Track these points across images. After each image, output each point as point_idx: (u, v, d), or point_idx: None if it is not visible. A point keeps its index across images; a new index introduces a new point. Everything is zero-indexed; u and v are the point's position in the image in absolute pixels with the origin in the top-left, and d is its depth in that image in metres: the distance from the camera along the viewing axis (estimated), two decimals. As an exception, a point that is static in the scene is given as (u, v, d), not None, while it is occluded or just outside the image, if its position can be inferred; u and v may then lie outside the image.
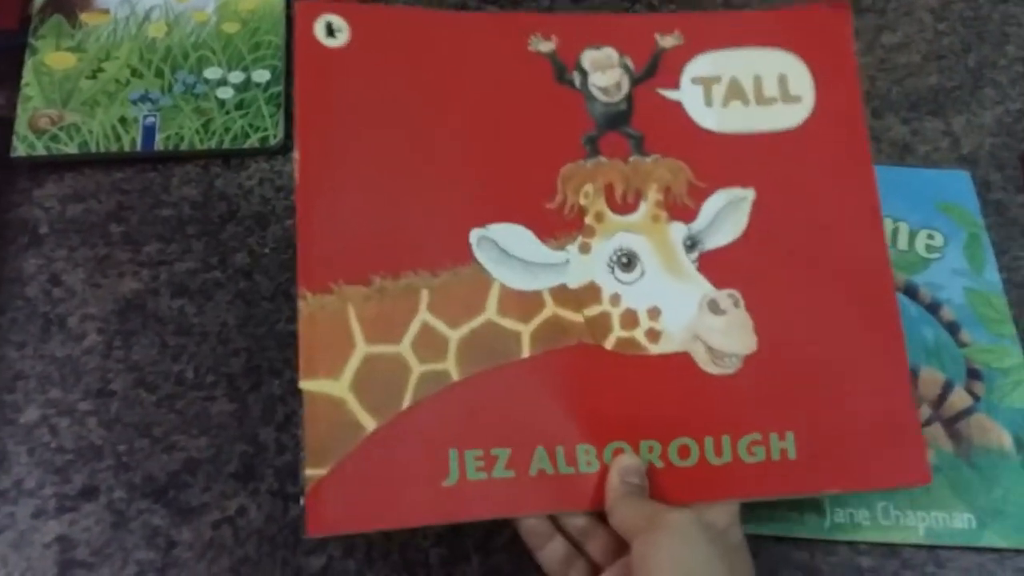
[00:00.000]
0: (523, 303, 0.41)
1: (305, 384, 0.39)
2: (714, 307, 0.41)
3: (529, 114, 0.43)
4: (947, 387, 0.50)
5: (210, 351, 0.50)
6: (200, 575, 0.45)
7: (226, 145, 0.56)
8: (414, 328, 0.40)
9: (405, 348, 0.40)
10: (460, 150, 0.42)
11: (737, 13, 0.56)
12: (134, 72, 0.57)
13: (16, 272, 0.53)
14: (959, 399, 0.49)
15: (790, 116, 0.45)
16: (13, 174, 0.56)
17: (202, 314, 0.52)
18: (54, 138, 0.55)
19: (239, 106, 0.57)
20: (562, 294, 0.41)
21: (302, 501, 0.38)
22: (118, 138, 0.55)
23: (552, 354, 0.41)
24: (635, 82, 0.44)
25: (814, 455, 0.41)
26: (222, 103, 0.57)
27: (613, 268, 0.42)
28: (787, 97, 0.45)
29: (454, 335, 0.40)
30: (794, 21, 0.47)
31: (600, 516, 0.39)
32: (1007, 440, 0.48)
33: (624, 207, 0.43)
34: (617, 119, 0.44)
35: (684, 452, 0.40)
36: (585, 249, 0.42)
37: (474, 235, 0.41)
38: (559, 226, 0.42)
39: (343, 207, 0.41)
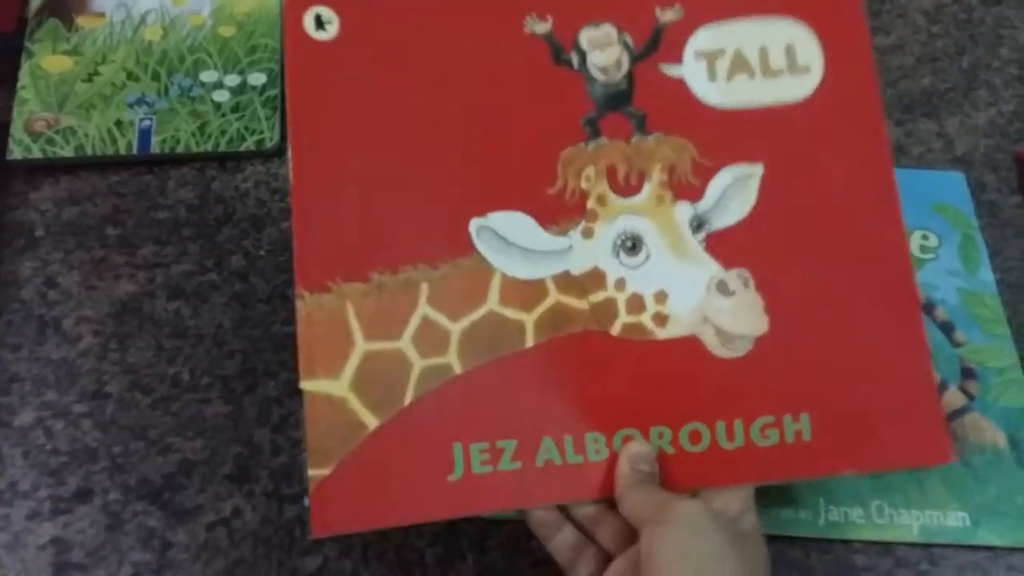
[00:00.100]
0: (525, 292, 0.40)
1: (305, 384, 0.39)
2: (723, 288, 0.40)
3: (527, 98, 0.42)
4: (942, 387, 0.50)
5: (205, 353, 0.51)
6: (195, 576, 0.45)
7: (222, 148, 0.56)
8: (414, 323, 0.40)
9: (405, 343, 0.40)
10: (457, 139, 0.42)
11: None
12: (130, 75, 0.58)
13: (12, 275, 0.53)
14: (954, 398, 0.49)
15: (798, 87, 0.43)
16: (9, 177, 0.56)
17: (198, 316, 0.52)
18: (50, 141, 0.55)
19: (235, 109, 0.57)
20: (565, 281, 0.41)
21: (306, 501, 0.38)
22: (114, 141, 0.55)
23: (557, 342, 0.40)
24: (635, 59, 0.43)
25: (830, 436, 0.40)
26: (218, 106, 0.57)
27: (618, 252, 0.41)
28: (794, 68, 0.43)
29: (455, 328, 0.40)
30: None
31: (610, 503, 0.39)
32: (1001, 439, 0.48)
33: (627, 189, 0.42)
34: (617, 99, 0.43)
35: (695, 437, 0.40)
36: (588, 234, 0.41)
37: (473, 225, 0.41)
38: (561, 212, 0.41)
39: (339, 203, 0.40)
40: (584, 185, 0.41)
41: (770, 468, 0.40)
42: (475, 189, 0.41)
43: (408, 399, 0.39)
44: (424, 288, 0.40)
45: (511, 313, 0.40)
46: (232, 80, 0.58)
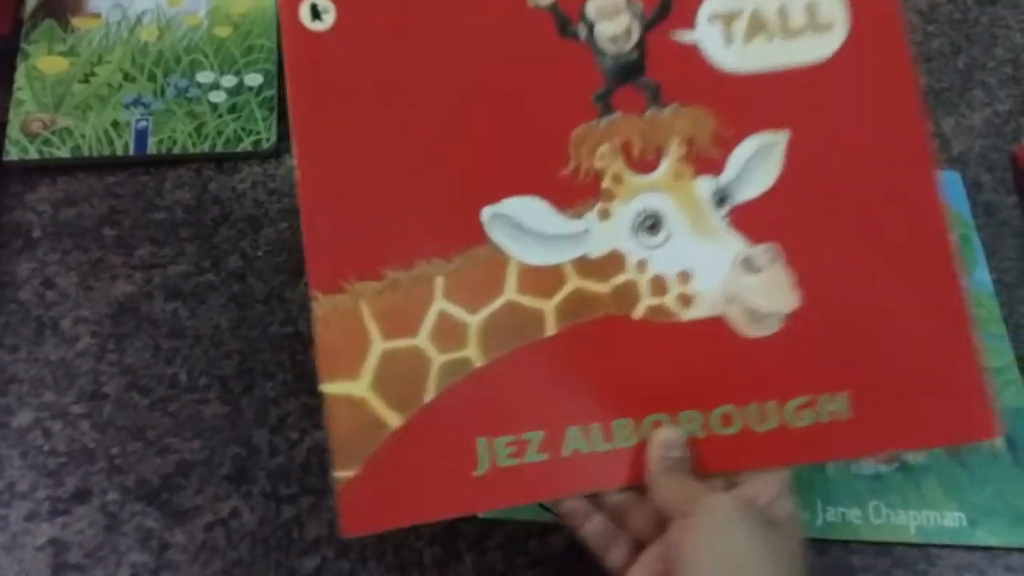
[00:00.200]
0: (543, 279, 0.39)
1: (325, 387, 0.38)
2: (749, 265, 0.39)
3: (533, 76, 0.40)
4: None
5: (203, 354, 0.51)
6: (193, 577, 0.45)
7: (219, 149, 0.56)
8: (431, 318, 0.39)
9: (423, 339, 0.39)
10: (463, 124, 0.40)
11: None
12: (126, 76, 0.58)
13: (9, 276, 0.53)
14: (950, 398, 0.50)
15: (821, 47, 0.41)
16: (6, 178, 0.56)
17: (195, 317, 0.52)
18: (47, 142, 0.55)
19: (232, 110, 0.57)
20: (584, 265, 0.39)
21: (334, 502, 0.38)
22: (111, 142, 0.55)
23: (579, 329, 0.39)
24: (646, 27, 0.41)
25: (870, 414, 0.39)
26: (215, 107, 0.57)
27: (637, 232, 0.39)
28: (816, 26, 0.41)
29: (473, 320, 0.39)
30: None
31: (641, 490, 0.38)
32: (998, 440, 0.48)
33: (644, 166, 0.40)
34: (629, 70, 0.40)
35: (727, 420, 0.39)
36: (605, 215, 0.39)
37: (486, 213, 0.39)
38: (575, 194, 0.39)
39: (347, 200, 0.39)
40: (598, 164, 0.40)
41: (806, 450, 0.39)
42: (485, 175, 0.40)
43: (429, 396, 0.38)
44: (439, 282, 0.39)
45: (529, 302, 0.39)
46: (228, 81, 0.58)
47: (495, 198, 0.39)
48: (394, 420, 0.38)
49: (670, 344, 0.39)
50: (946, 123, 0.61)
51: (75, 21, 0.59)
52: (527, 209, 0.39)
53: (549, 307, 0.39)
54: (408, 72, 0.40)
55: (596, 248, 0.39)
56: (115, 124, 0.56)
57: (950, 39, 0.65)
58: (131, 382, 0.50)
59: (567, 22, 0.41)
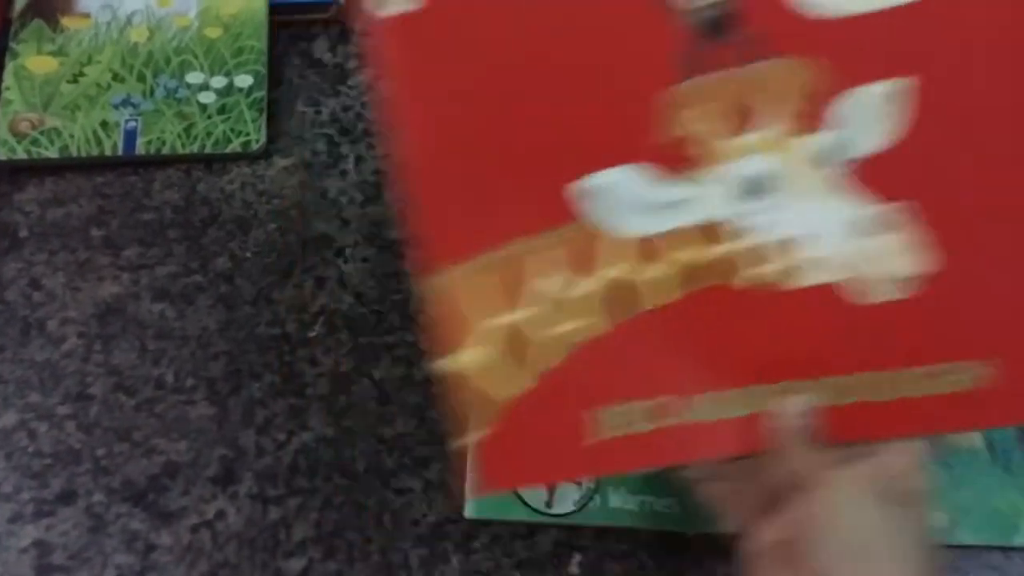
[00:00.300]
0: (640, 251, 0.37)
1: (438, 364, 0.38)
2: (867, 227, 0.36)
3: (615, 40, 0.38)
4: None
5: (190, 355, 0.50)
6: (179, 579, 0.45)
7: (208, 150, 0.56)
8: (531, 294, 0.38)
9: (526, 315, 0.38)
10: (548, 98, 0.38)
11: None
12: (115, 76, 0.57)
13: (-5, 276, 0.52)
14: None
15: None
16: (-7, 178, 0.56)
17: (183, 318, 0.52)
18: (35, 142, 0.55)
19: (221, 111, 0.57)
20: (682, 236, 0.37)
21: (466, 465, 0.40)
22: (99, 142, 0.55)
23: (685, 301, 0.37)
24: None
25: (1014, 381, 0.36)
26: (204, 108, 0.57)
27: (739, 198, 0.37)
28: None
29: (574, 294, 0.38)
30: None
31: (758, 458, 0.37)
32: (977, 440, 0.49)
33: (742, 126, 0.37)
34: (719, 24, 0.37)
35: (850, 390, 0.37)
36: (701, 182, 0.37)
37: (577, 188, 0.38)
38: (668, 161, 0.37)
39: (448, 182, 0.39)
40: (691, 128, 0.37)
41: (938, 419, 0.37)
42: (574, 149, 0.38)
43: (537, 370, 0.38)
44: (534, 260, 0.38)
45: (628, 274, 0.38)
46: (218, 82, 0.58)
47: (585, 171, 0.38)
48: (525, 381, 0.38)
49: (782, 313, 0.37)
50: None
51: (64, 21, 0.59)
52: (619, 181, 0.37)
53: (650, 280, 0.38)
54: (494, 48, 0.39)
55: (694, 216, 0.37)
56: (104, 124, 0.56)
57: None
58: (117, 383, 0.49)
59: None
